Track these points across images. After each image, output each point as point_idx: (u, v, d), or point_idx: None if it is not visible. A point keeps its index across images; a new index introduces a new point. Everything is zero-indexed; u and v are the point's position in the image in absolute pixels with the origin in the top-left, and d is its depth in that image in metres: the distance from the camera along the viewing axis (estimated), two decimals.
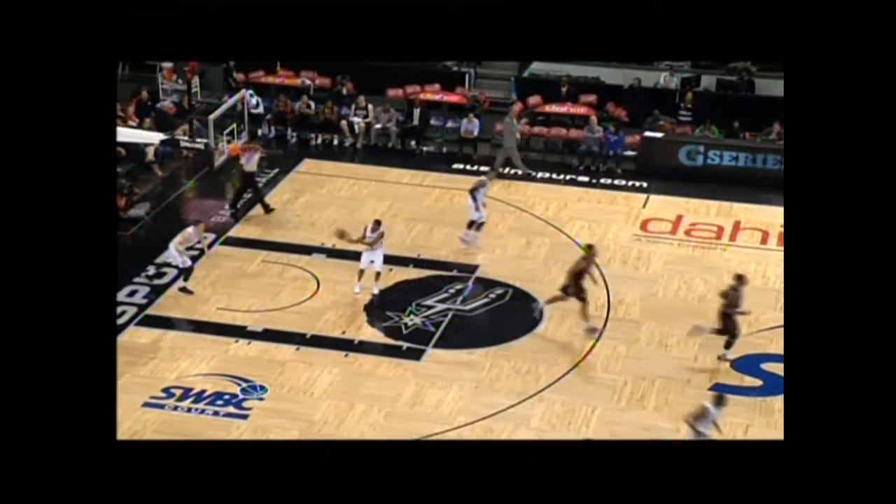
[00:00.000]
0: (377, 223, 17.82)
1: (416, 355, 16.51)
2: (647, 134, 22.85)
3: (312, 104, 23.93)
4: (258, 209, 20.68)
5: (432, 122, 24.01)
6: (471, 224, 19.39)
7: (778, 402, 15.24)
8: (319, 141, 23.76)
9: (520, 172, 22.08)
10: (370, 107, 23.66)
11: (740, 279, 16.36)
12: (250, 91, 24.29)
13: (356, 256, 18.68)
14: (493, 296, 17.99)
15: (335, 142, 23.75)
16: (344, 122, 23.62)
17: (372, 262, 17.66)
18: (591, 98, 24.31)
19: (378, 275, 17.76)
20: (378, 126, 23.60)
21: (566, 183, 22.24)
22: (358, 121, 23.62)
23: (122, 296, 17.70)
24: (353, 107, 23.72)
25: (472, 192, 19.22)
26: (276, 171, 22.47)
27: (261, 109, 24.19)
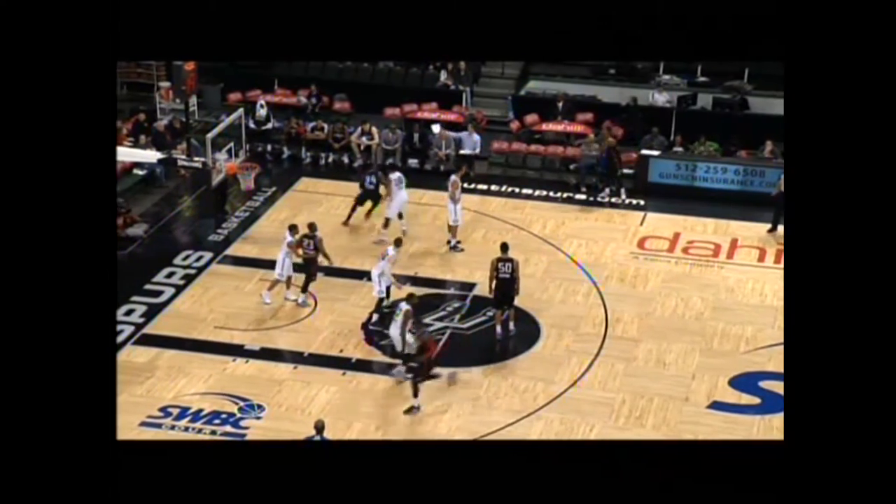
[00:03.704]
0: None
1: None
2: (644, 152, 22.91)
3: (326, 126, 24.04)
4: (255, 229, 20.74)
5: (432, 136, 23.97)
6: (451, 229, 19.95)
7: (777, 419, 15.23)
8: (330, 160, 23.80)
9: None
10: (374, 130, 23.70)
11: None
12: (261, 102, 24.35)
13: (353, 275, 18.70)
14: (490, 314, 17.96)
15: (345, 160, 23.87)
16: (354, 143, 23.69)
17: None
18: (588, 116, 24.38)
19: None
20: (388, 147, 23.65)
21: (563, 201, 22.28)
22: (365, 141, 23.68)
23: (119, 315, 17.66)
24: (360, 130, 23.76)
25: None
26: (274, 189, 22.52)
27: (271, 125, 24.26)
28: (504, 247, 17.62)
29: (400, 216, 20.37)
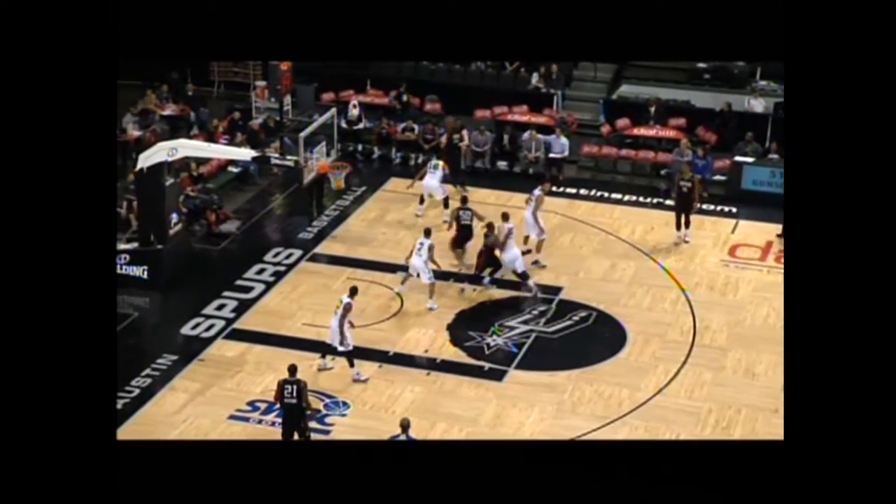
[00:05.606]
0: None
1: (498, 376, 16.50)
2: (738, 158, 22.53)
3: (416, 127, 24.16)
4: (344, 228, 20.98)
5: (524, 138, 23.84)
6: (526, 238, 19.61)
7: None
8: (420, 161, 23.85)
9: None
10: (464, 131, 23.66)
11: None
12: (354, 102, 24.59)
13: (439, 275, 18.71)
14: (576, 318, 17.90)
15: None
16: (444, 144, 23.70)
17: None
18: (681, 121, 24.08)
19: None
20: (477, 149, 23.65)
21: (653, 206, 22.03)
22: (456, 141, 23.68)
23: (210, 309, 18.07)
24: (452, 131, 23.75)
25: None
26: (364, 188, 22.74)
27: (362, 125, 24.49)
28: (464, 199, 19.51)
29: (421, 201, 21.25)
